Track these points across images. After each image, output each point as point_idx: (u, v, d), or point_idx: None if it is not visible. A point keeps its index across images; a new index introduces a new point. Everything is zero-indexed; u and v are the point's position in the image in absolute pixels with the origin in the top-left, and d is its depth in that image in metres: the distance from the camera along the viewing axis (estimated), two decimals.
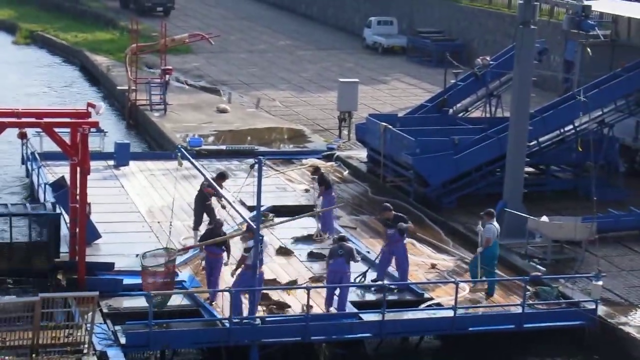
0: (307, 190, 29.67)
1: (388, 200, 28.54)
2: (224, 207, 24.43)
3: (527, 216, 24.68)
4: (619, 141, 30.31)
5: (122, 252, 23.21)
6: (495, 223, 22.23)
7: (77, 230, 21.36)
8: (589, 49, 29.82)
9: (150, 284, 19.92)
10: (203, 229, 24.22)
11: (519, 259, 24.07)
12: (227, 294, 19.76)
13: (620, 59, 31.88)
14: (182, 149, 22.23)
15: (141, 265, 20.26)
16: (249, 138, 35.76)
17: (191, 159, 21.77)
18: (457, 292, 20.48)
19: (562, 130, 29.25)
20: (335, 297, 20.54)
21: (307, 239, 25.01)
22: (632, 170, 31.38)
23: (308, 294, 19.98)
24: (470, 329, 20.75)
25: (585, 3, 25.32)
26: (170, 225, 22.13)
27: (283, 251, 24.08)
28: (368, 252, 24.14)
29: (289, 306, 20.73)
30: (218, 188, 22.53)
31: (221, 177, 24.76)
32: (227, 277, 21.28)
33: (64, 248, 21.87)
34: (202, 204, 24.35)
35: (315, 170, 27.33)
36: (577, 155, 28.83)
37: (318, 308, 20.61)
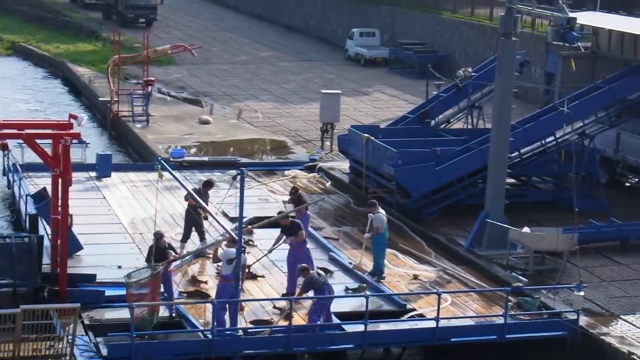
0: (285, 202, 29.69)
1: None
2: (206, 218, 24.44)
3: (509, 227, 24.76)
4: (600, 152, 30.48)
5: (103, 263, 23.15)
6: (381, 211, 23.25)
7: (59, 241, 21.29)
8: (573, 63, 29.98)
9: (135, 297, 19.82)
10: (190, 243, 24.40)
11: (500, 269, 24.14)
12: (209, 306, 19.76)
13: (601, 70, 32.11)
14: (162, 161, 22.14)
15: (126, 284, 20.06)
16: (231, 149, 35.77)
17: (171, 170, 21.69)
18: (439, 303, 20.51)
19: (543, 142, 29.39)
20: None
21: None
22: (613, 182, 31.56)
23: (291, 304, 19.96)
24: (453, 339, 20.77)
25: (570, 15, 25.50)
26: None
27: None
28: (350, 263, 24.17)
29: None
30: (199, 199, 22.47)
31: (207, 184, 24.83)
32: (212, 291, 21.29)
33: (45, 259, 21.78)
34: (192, 218, 24.34)
35: (294, 191, 26.34)
36: (558, 166, 29.01)
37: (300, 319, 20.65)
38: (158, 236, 20.86)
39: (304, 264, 21.01)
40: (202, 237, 24.56)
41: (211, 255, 22.27)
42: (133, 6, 68.16)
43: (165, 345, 19.23)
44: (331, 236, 26.56)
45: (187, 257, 23.11)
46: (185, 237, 24.47)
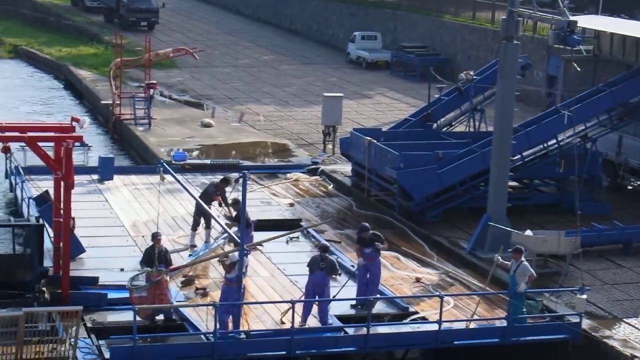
0: (291, 204, 29.71)
1: (373, 214, 28.68)
2: (208, 225, 24.66)
3: (511, 230, 24.74)
4: (602, 156, 30.47)
5: (106, 266, 23.17)
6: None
7: (61, 244, 21.30)
8: (575, 65, 29.96)
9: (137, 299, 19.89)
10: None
11: (503, 272, 24.09)
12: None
13: (603, 74, 32.10)
14: (164, 163, 22.20)
15: (130, 288, 20.13)
16: (233, 152, 35.77)
17: (173, 173, 21.74)
18: (441, 306, 20.49)
19: (545, 145, 29.38)
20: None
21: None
22: (615, 185, 31.55)
23: (293, 307, 19.94)
24: (455, 342, 20.76)
25: (571, 18, 25.49)
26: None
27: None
28: (353, 266, 24.14)
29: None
30: (204, 205, 22.67)
31: (225, 182, 25.30)
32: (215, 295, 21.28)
33: (48, 262, 21.78)
34: (201, 208, 24.52)
35: (235, 202, 23.87)
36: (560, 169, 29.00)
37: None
38: (157, 235, 20.83)
39: (324, 243, 21.48)
40: (208, 225, 24.97)
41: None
42: (135, 9, 68.17)
43: (167, 348, 19.21)
44: (333, 239, 26.55)
45: (186, 264, 23.13)
46: (195, 226, 25.00)
